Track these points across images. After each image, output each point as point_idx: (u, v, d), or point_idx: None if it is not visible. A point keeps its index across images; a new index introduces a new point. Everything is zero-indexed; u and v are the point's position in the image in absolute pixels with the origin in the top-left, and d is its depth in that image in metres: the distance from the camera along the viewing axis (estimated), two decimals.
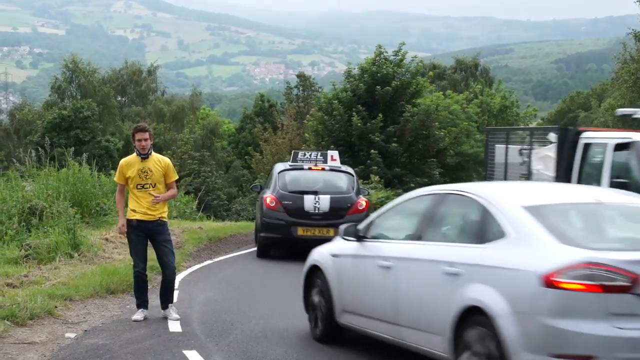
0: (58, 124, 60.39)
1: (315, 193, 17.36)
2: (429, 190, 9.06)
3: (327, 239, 10.68)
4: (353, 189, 18.05)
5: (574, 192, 8.71)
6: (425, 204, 8.62)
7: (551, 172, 14.81)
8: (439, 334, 7.49)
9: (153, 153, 10.34)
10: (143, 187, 10.20)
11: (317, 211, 17.02)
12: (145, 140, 10.17)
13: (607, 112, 47.01)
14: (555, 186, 10.34)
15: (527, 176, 15.52)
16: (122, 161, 10.43)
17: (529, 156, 15.60)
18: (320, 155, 19.39)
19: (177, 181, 10.58)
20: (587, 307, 6.45)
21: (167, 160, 10.48)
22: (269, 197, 17.60)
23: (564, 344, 6.46)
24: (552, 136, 14.82)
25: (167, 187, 10.37)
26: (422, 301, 7.87)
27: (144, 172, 10.18)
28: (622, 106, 44.97)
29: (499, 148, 17.12)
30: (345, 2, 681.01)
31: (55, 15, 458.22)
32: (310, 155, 19.34)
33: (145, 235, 10.29)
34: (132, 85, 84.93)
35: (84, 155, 19.71)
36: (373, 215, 9.53)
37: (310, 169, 18.61)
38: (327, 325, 9.50)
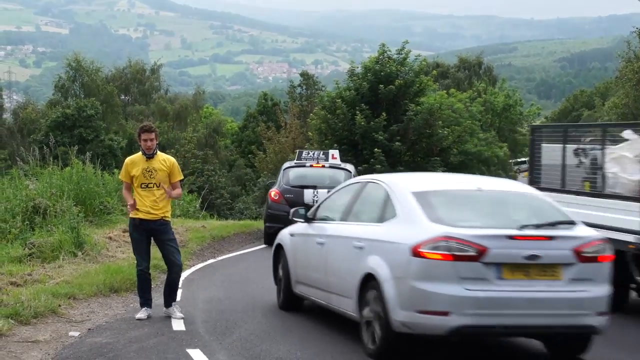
0: (61, 122, 60.46)
1: (314, 187, 19.54)
2: (357, 179, 10.97)
3: None
4: None
5: (461, 181, 10.21)
6: (353, 190, 10.40)
7: (631, 174, 12.17)
8: (350, 298, 9.13)
9: (158, 152, 10.33)
10: (147, 186, 10.20)
11: (315, 204, 17.89)
12: (151, 140, 10.17)
13: (611, 111, 46.96)
14: (449, 176, 11.90)
15: (600, 180, 12.85)
16: (128, 159, 10.42)
17: (602, 157, 12.95)
18: (322, 154, 21.20)
19: (180, 180, 10.57)
20: (443, 272, 8.03)
21: (172, 159, 10.46)
22: (273, 191, 19.95)
23: (426, 303, 8.06)
24: (628, 133, 12.60)
25: (172, 186, 10.37)
26: (340, 271, 9.60)
27: (149, 171, 10.18)
28: (626, 104, 45.00)
29: (549, 148, 14.52)
30: (348, 1, 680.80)
31: (59, 14, 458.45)
32: (313, 153, 21.08)
33: (148, 234, 10.29)
34: (135, 84, 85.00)
35: (88, 154, 19.68)
36: (321, 200, 11.42)
37: (311, 166, 20.49)
38: (285, 295, 11.28)
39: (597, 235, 8.71)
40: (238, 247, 19.59)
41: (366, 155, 39.42)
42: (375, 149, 38.99)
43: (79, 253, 13.96)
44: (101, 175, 19.89)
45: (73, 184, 17.80)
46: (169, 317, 10.24)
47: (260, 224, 25.34)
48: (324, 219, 10.66)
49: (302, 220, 11.07)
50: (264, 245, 19.72)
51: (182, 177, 10.57)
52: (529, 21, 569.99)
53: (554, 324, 8.27)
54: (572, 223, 8.74)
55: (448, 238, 8.10)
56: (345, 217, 10.13)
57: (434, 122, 42.09)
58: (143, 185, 10.21)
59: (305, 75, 72.02)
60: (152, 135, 10.20)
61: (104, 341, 8.99)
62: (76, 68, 74.67)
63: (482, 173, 58.43)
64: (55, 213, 15.57)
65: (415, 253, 8.16)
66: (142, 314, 10.27)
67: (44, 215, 15.55)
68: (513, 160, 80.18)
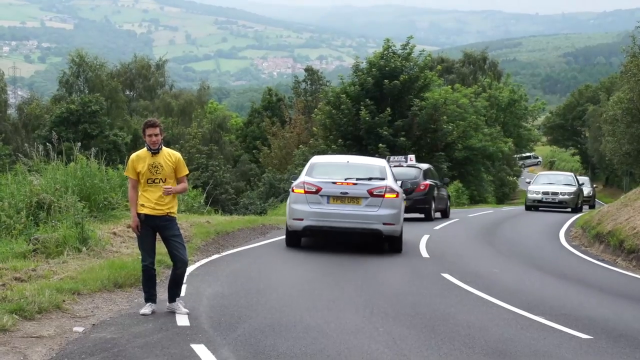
0: (66, 118, 60.48)
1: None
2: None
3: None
4: (420, 177, 27.97)
5: (340, 158, 19.85)
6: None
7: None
8: None
9: (163, 148, 10.29)
10: (153, 181, 10.16)
11: None
12: (156, 135, 10.12)
13: (616, 106, 46.78)
14: (342, 156, 21.55)
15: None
16: (133, 155, 10.35)
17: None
18: (404, 158, 30.71)
19: (186, 175, 10.53)
20: (301, 199, 16.62)
21: (177, 154, 10.42)
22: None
23: (294, 214, 16.79)
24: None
25: (178, 181, 10.33)
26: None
27: (155, 167, 10.14)
28: (631, 99, 44.82)
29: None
30: None
31: (63, 10, 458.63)
32: (397, 158, 30.73)
33: (153, 229, 10.26)
34: (140, 80, 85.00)
35: (92, 149, 19.63)
36: None
37: (394, 166, 26.99)
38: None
39: (385, 184, 16.76)
40: (243, 242, 19.55)
41: (371, 150, 39.41)
42: (380, 144, 39.00)
43: (83, 248, 13.93)
44: (105, 171, 19.81)
45: (77, 179, 17.76)
46: (173, 313, 10.21)
47: (264, 219, 25.36)
48: None
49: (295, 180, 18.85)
50: (268, 241, 19.72)
51: (187, 172, 10.52)
52: (533, 16, 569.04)
53: (356, 227, 16.46)
54: (382, 179, 17.01)
55: (304, 182, 16.88)
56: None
57: (439, 117, 42.09)
58: (149, 181, 10.17)
59: (309, 71, 72.06)
60: (157, 130, 10.15)
61: (108, 336, 8.97)
62: (79, 64, 74.64)
63: (486, 168, 58.35)
64: (59, 208, 15.53)
65: (292, 190, 17.17)
66: (146, 309, 10.24)
67: (48, 211, 15.51)
68: (518, 155, 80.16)
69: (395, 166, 27.55)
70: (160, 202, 10.15)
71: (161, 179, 10.15)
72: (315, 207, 16.51)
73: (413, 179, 27.22)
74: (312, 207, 16.52)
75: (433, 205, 27.83)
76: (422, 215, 27.73)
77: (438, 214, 29.27)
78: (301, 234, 17.22)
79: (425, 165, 29.94)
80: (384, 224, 16.48)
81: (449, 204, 31.11)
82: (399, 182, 18.59)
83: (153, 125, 10.18)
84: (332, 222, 16.49)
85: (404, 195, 17.87)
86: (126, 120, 73.32)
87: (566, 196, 36.95)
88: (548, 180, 39.06)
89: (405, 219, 19.00)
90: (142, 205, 10.17)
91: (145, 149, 10.25)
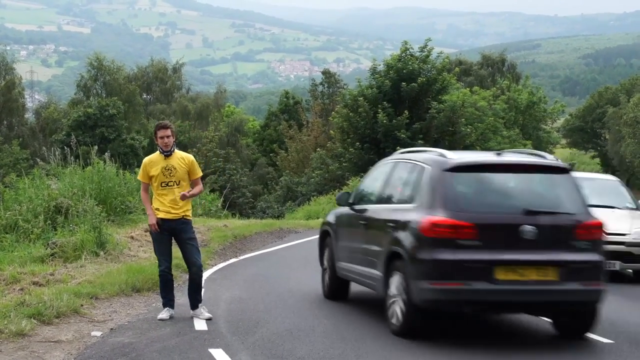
0: (83, 122, 60.67)
1: None
2: None
3: None
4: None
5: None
6: None
7: None
8: None
9: (176, 150, 10.23)
10: (167, 184, 10.10)
11: None
12: (168, 137, 10.06)
13: (636, 108, 46.49)
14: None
15: None
16: (146, 159, 10.31)
17: None
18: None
19: (202, 179, 10.47)
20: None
21: (190, 157, 10.36)
22: None
23: None
24: None
25: (192, 183, 10.27)
26: None
27: (168, 169, 10.09)
28: None
29: None
30: None
31: (80, 14, 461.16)
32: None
33: (169, 233, 10.21)
34: (157, 83, 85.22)
35: (107, 153, 19.64)
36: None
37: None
38: None
39: None
40: (260, 246, 19.54)
41: (388, 153, 39.19)
42: (398, 147, 38.82)
43: (101, 253, 13.94)
44: (122, 175, 19.83)
45: (94, 183, 17.78)
46: (191, 317, 10.18)
47: (281, 223, 25.29)
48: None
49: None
50: (286, 244, 19.69)
51: (201, 174, 10.44)
52: (552, 18, 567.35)
53: None
54: None
55: None
56: None
57: (457, 119, 41.90)
58: (163, 184, 10.12)
59: (327, 74, 71.99)
60: (168, 132, 10.08)
61: (126, 341, 8.96)
62: (98, 67, 74.93)
63: None
64: (77, 213, 15.54)
65: None
66: (164, 314, 10.21)
67: (66, 215, 15.52)
68: None
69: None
70: (175, 206, 10.10)
71: (175, 181, 10.09)
72: None
73: None
74: None
75: None
76: None
77: None
78: None
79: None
80: None
81: None
82: None
83: (164, 127, 10.14)
84: None
85: None
86: (143, 123, 73.52)
87: None
88: None
89: None
90: (157, 210, 10.12)
91: (157, 152, 10.22)
